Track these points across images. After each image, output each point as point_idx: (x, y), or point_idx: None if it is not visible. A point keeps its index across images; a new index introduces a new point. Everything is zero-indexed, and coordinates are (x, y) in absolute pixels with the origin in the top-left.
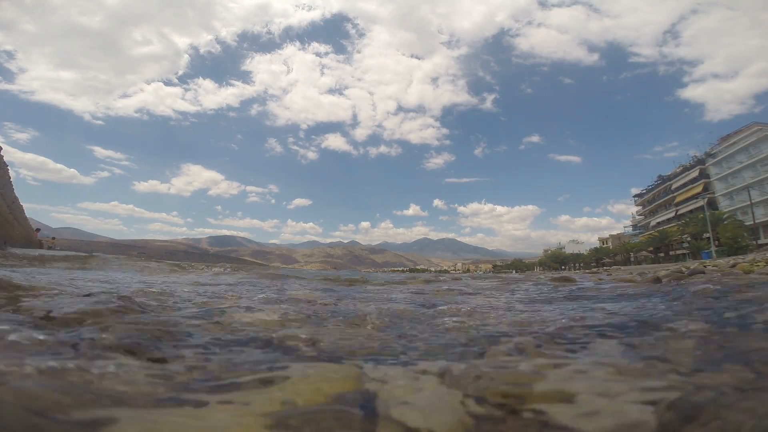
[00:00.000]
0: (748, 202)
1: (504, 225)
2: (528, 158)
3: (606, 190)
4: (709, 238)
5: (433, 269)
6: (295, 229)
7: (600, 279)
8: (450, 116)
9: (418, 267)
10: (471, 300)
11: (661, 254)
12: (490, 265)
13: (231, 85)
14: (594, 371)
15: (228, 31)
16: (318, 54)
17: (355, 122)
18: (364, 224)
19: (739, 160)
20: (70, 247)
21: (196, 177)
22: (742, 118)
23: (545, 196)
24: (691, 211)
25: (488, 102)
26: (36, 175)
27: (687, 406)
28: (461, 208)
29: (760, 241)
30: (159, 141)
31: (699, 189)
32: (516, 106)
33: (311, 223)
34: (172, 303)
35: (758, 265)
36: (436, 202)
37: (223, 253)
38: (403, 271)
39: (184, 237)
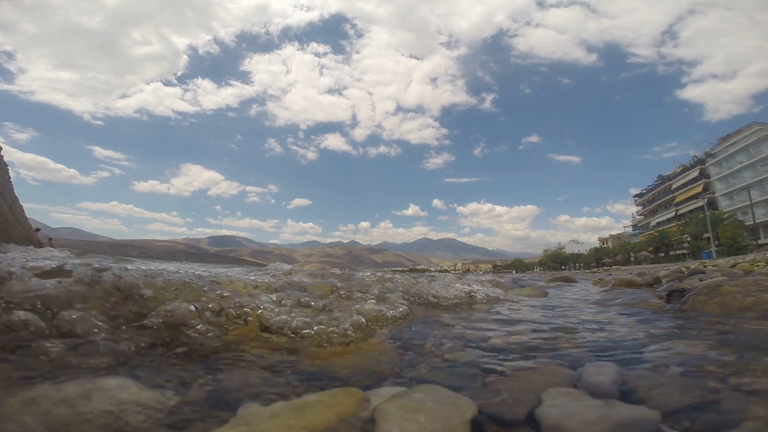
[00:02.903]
0: (748, 202)
1: (503, 225)
2: (527, 158)
3: (605, 190)
4: (709, 238)
5: (433, 269)
6: (294, 229)
7: (600, 279)
8: (449, 116)
9: (418, 267)
10: None
11: (661, 254)
12: (490, 265)
13: (230, 85)
14: None
15: (227, 32)
16: (317, 54)
17: (354, 122)
18: (364, 224)
19: (739, 160)
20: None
21: (195, 177)
22: (741, 119)
23: (545, 196)
24: (691, 211)
25: (487, 102)
26: (36, 175)
27: None
28: (461, 208)
29: (760, 241)
30: (158, 141)
31: (699, 189)
32: (515, 106)
33: (311, 223)
34: None
35: (758, 265)
36: (436, 202)
37: (223, 253)
38: (403, 271)
39: (184, 237)
